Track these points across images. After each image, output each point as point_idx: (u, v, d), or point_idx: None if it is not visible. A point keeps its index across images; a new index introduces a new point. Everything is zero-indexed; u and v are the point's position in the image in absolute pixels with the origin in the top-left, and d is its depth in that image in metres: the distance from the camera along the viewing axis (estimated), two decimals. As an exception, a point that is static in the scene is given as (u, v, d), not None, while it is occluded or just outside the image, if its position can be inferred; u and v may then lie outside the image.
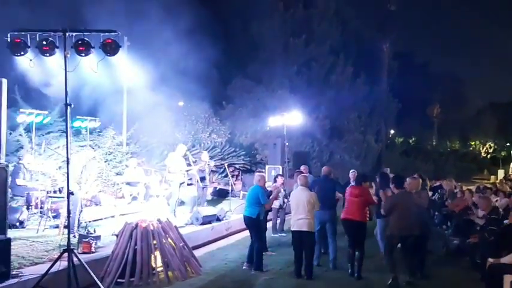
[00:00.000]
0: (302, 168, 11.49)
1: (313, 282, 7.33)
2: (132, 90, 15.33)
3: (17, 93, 13.38)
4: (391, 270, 7.18)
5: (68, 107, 6.05)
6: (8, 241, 5.82)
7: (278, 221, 11.47)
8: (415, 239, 7.25)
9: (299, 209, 7.53)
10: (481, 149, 47.26)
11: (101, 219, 10.21)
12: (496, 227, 7.84)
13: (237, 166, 20.53)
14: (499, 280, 6.07)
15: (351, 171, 11.22)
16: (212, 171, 18.99)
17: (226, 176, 16.97)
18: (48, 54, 6.03)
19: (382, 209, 7.66)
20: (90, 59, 6.23)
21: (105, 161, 14.03)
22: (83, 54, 6.08)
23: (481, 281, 6.97)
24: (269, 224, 10.69)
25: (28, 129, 12.34)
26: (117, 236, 7.45)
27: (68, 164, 6.30)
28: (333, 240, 8.28)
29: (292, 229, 7.68)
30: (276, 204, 10.55)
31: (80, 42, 6.03)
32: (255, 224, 8.07)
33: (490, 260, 6.61)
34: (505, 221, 8.20)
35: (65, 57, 5.96)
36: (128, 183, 12.22)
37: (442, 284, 7.29)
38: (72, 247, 6.18)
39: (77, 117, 13.29)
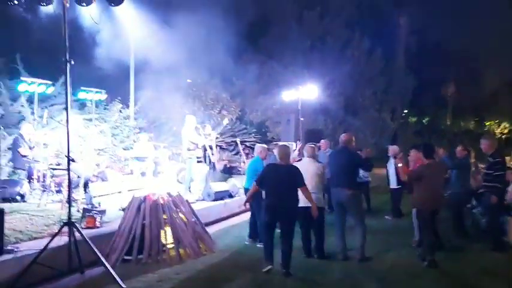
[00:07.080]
0: (322, 142, 10.91)
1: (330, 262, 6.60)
2: (139, 65, 14.72)
3: (18, 63, 12.75)
4: (429, 253, 6.47)
5: (68, 63, 5.40)
6: (1, 212, 5.19)
7: None
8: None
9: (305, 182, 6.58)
10: (495, 129, 46.09)
11: (107, 194, 9.65)
12: None
13: (247, 144, 19.92)
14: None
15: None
16: (222, 148, 18.42)
17: (237, 153, 16.33)
18: (45, 4, 5.37)
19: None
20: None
21: (112, 136, 13.43)
22: (84, 4, 5.46)
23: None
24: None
25: (31, 101, 11.72)
26: (124, 210, 6.88)
27: (68, 130, 5.72)
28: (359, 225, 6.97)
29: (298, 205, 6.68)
30: None
31: (80, -10, 5.36)
32: (255, 197, 7.33)
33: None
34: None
35: (64, 6, 5.29)
36: (137, 158, 11.62)
37: (474, 262, 6.64)
38: (74, 221, 5.61)
39: (82, 88, 12.63)
